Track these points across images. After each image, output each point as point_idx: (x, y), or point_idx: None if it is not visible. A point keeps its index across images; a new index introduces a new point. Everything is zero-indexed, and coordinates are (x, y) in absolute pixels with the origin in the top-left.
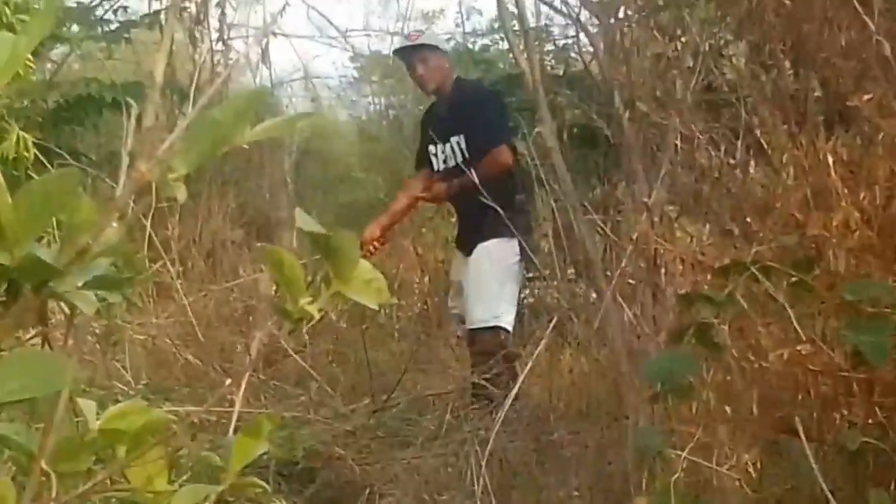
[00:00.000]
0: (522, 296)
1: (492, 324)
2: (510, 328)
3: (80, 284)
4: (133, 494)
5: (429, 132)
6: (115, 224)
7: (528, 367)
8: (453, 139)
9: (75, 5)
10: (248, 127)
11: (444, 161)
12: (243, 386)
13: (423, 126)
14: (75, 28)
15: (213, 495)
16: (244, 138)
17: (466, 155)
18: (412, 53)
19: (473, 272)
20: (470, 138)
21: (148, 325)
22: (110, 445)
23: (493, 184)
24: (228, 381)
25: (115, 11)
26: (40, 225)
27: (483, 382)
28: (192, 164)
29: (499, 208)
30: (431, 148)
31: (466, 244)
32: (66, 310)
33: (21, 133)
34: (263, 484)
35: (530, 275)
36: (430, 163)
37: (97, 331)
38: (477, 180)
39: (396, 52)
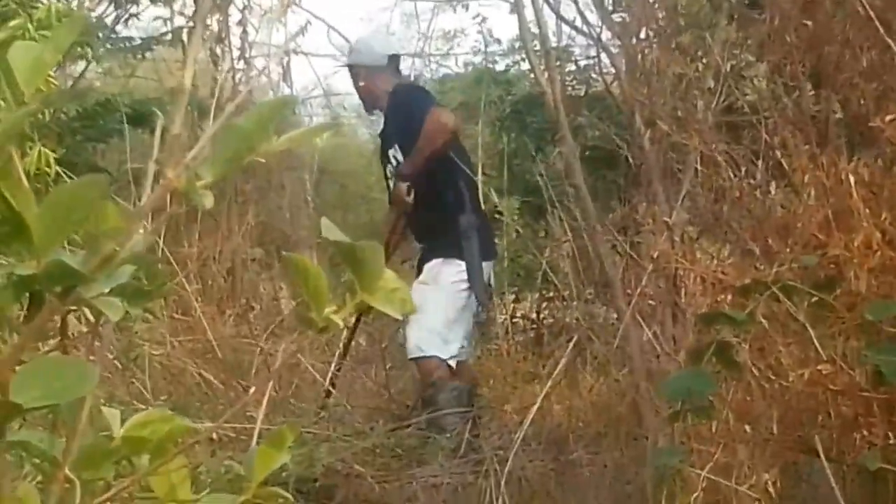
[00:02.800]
0: (476, 320)
1: (426, 354)
2: (445, 357)
3: (105, 291)
4: (156, 503)
5: (383, 149)
6: (140, 232)
7: (546, 387)
8: (390, 153)
9: (94, 20)
10: (273, 137)
11: (393, 181)
12: (266, 398)
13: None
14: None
15: None
16: (269, 147)
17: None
18: (350, 72)
19: (416, 295)
20: (402, 142)
21: (167, 343)
22: (133, 453)
23: (434, 201)
24: (252, 390)
25: (125, 21)
26: (67, 231)
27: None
28: (219, 172)
29: (439, 227)
30: (387, 172)
31: (419, 264)
32: (85, 325)
33: (42, 149)
34: (286, 494)
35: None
36: (387, 189)
37: (116, 348)
38: (424, 153)
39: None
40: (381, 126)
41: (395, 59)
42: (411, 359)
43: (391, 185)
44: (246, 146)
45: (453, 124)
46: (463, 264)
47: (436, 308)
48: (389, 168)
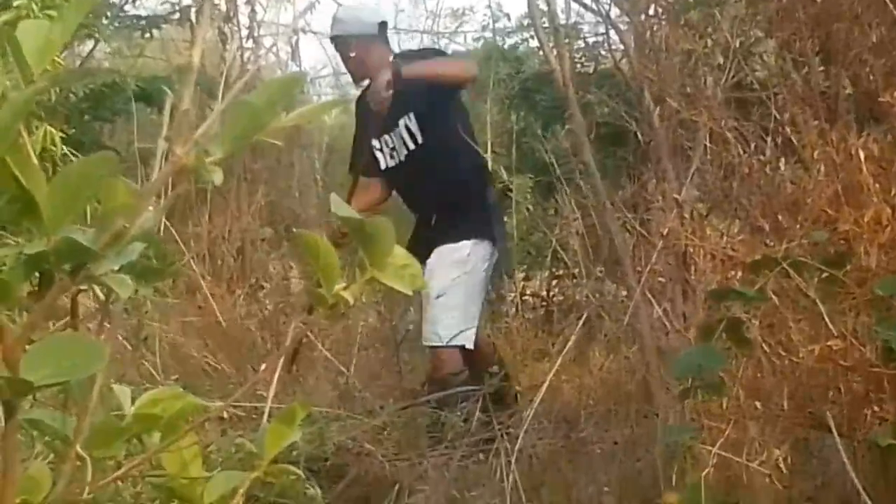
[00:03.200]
0: (488, 297)
1: (451, 344)
2: (469, 346)
3: (115, 269)
4: (167, 480)
5: (368, 125)
6: (150, 209)
7: (556, 365)
8: (401, 122)
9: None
10: (283, 113)
11: (392, 154)
12: (277, 374)
13: (359, 119)
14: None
15: (247, 483)
16: (278, 124)
17: (419, 138)
18: (336, 44)
19: (443, 279)
20: (423, 110)
21: (176, 323)
22: (145, 431)
23: (457, 178)
24: (263, 367)
25: (133, 1)
26: (77, 209)
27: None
28: (228, 149)
29: (463, 205)
30: (375, 143)
31: (422, 247)
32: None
33: (48, 128)
34: (296, 471)
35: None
36: (375, 162)
37: (126, 329)
38: (435, 69)
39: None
40: (375, 94)
41: (384, 27)
42: (433, 346)
43: (382, 164)
44: (255, 123)
45: (473, 77)
46: (490, 245)
47: (468, 295)
48: (385, 142)
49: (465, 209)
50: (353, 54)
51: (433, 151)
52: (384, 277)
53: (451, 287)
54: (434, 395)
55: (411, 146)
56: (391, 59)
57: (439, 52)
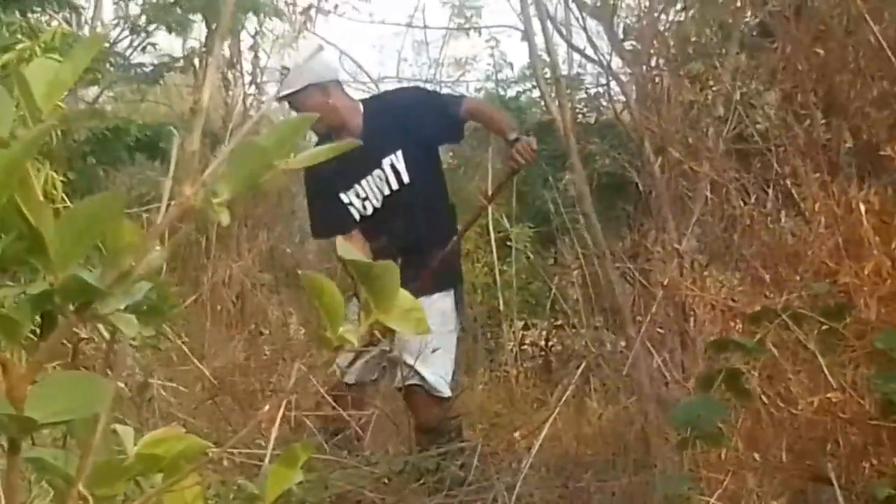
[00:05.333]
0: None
1: (442, 395)
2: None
3: (122, 308)
4: None
5: (336, 179)
6: (157, 249)
7: (553, 413)
8: (385, 161)
9: (107, 46)
10: (291, 154)
11: (364, 204)
12: (279, 418)
13: (320, 177)
14: (109, 70)
15: None
16: (287, 165)
17: (405, 177)
18: (296, 101)
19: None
20: (413, 148)
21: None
22: (147, 471)
23: (437, 220)
24: (266, 408)
25: (143, 49)
26: (84, 246)
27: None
28: (236, 190)
29: (441, 247)
30: (344, 197)
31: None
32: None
33: (51, 173)
34: None
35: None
36: (346, 216)
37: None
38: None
39: (283, 99)
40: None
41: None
42: (436, 395)
43: (357, 214)
44: (263, 164)
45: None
46: (452, 293)
47: (448, 347)
48: (362, 189)
49: (444, 253)
50: (329, 101)
51: (418, 191)
52: (389, 320)
53: (447, 337)
54: (435, 443)
55: (395, 186)
56: (359, 102)
57: (419, 90)
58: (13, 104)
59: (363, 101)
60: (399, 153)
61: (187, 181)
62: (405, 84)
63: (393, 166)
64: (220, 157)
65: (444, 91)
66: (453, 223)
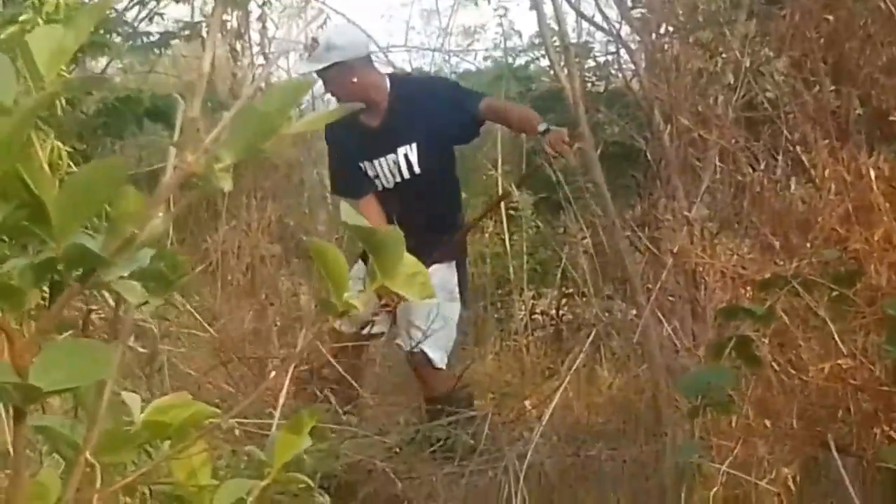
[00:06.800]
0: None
1: (443, 364)
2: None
3: (125, 275)
4: (176, 487)
5: (355, 148)
6: (160, 215)
7: (564, 382)
8: (400, 150)
9: (113, 14)
10: (292, 119)
11: (380, 176)
12: (286, 384)
13: (342, 143)
14: (116, 39)
15: (257, 491)
16: (288, 130)
17: (416, 168)
18: (323, 77)
19: (423, 303)
20: (429, 143)
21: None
22: (154, 438)
23: (442, 212)
24: (272, 374)
25: (150, 18)
26: (87, 214)
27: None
28: (238, 155)
29: (452, 225)
30: (364, 165)
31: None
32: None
33: (56, 143)
34: (305, 479)
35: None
36: (364, 180)
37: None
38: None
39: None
40: (367, 118)
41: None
42: (435, 367)
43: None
44: (264, 128)
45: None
46: (453, 264)
47: (451, 318)
48: (379, 165)
49: (446, 231)
50: (355, 80)
51: (426, 184)
52: (394, 286)
53: (441, 313)
54: (443, 411)
55: (406, 175)
56: (386, 78)
57: (445, 84)
58: (16, 73)
59: (392, 76)
60: (414, 146)
61: (189, 147)
62: (413, 50)
63: (406, 157)
64: (222, 124)
65: (454, 60)
66: (459, 214)
